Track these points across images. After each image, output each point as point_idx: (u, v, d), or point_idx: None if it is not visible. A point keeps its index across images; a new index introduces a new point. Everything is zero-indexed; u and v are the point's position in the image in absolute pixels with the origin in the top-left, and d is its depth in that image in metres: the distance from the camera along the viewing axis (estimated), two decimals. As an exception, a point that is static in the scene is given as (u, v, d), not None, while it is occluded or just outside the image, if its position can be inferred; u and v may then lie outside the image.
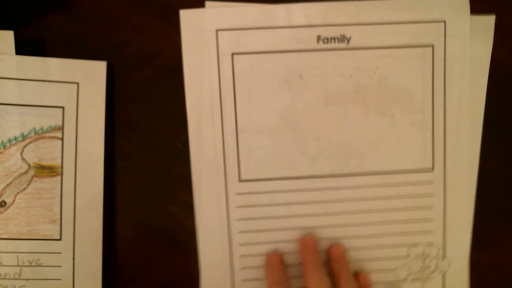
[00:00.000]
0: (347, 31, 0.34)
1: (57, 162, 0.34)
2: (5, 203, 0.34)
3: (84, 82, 0.34)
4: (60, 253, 0.34)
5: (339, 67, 0.34)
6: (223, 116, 0.34)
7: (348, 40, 0.34)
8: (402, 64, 0.34)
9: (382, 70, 0.34)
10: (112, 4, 0.34)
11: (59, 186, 0.34)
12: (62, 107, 0.34)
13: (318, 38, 0.34)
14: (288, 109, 0.34)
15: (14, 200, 0.34)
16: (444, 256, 0.36)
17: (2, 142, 0.34)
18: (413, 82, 0.35)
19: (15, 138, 0.34)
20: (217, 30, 0.33)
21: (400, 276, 0.36)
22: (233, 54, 0.34)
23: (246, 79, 0.34)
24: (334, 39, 0.34)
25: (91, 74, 0.34)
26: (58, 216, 0.34)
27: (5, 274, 0.34)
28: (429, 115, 0.35)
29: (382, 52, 0.34)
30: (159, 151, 0.35)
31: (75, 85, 0.34)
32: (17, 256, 0.34)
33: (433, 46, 0.34)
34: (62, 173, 0.34)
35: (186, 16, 0.33)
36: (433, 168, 0.35)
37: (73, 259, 0.34)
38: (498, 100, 0.36)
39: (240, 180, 0.35)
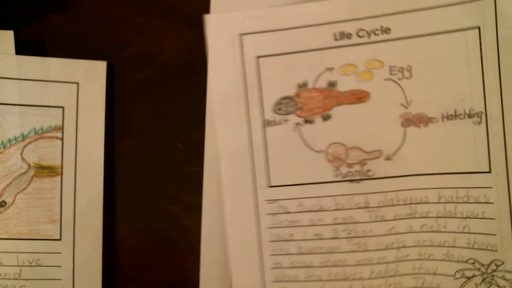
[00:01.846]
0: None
1: (57, 162, 0.34)
2: (5, 203, 0.34)
3: (84, 82, 0.34)
4: (60, 253, 0.34)
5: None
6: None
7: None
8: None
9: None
10: (112, 4, 0.34)
11: (59, 186, 0.34)
12: (62, 107, 0.34)
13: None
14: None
15: (14, 200, 0.34)
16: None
17: (2, 142, 0.34)
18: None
19: (15, 138, 0.34)
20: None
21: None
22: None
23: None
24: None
25: (91, 74, 0.34)
26: (58, 216, 0.34)
27: (5, 274, 0.34)
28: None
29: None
30: (159, 151, 0.35)
31: (75, 85, 0.34)
32: (17, 256, 0.34)
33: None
34: (62, 173, 0.34)
35: (211, 21, 0.33)
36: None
37: (73, 259, 0.34)
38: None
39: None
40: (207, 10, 0.34)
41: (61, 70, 0.34)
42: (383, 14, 0.33)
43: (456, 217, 0.32)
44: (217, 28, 0.34)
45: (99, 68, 0.34)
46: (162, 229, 0.36)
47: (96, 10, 0.34)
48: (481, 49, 0.31)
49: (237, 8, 0.34)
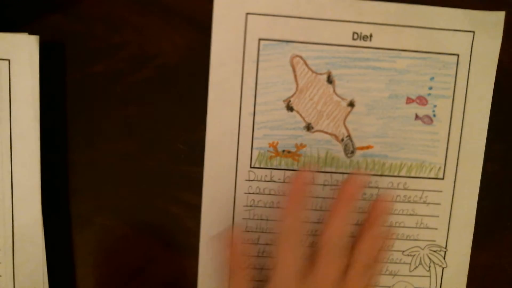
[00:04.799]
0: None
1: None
2: None
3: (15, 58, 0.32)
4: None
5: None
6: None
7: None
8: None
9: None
10: (112, 4, 0.34)
11: None
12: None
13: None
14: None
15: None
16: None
17: None
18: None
19: None
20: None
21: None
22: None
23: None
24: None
25: (22, 50, 0.32)
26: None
27: None
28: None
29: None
30: (159, 151, 0.35)
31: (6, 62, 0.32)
32: None
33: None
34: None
35: None
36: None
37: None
38: (498, 100, 0.36)
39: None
40: (207, 10, 0.34)
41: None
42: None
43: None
44: (225, 4, 0.33)
45: (31, 43, 0.32)
46: (162, 229, 0.36)
47: (96, 10, 0.34)
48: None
49: None
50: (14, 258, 0.34)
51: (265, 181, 0.35)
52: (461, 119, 0.35)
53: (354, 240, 0.32)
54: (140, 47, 0.35)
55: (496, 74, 0.35)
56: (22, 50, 0.32)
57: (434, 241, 0.36)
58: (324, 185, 0.35)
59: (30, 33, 0.32)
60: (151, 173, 0.35)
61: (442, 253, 0.36)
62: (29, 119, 0.33)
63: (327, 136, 0.35)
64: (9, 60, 0.32)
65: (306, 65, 0.34)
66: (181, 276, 0.36)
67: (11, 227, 0.33)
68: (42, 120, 0.33)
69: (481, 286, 0.38)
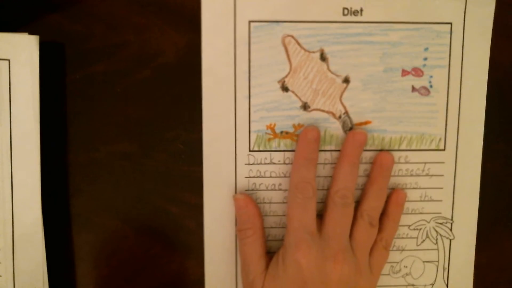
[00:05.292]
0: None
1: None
2: None
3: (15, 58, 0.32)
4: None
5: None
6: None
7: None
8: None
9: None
10: (112, 4, 0.34)
11: None
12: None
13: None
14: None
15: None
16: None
17: None
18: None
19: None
20: None
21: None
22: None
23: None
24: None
25: (22, 50, 0.32)
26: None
27: None
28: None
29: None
30: (159, 151, 0.35)
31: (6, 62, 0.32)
32: None
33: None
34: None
35: None
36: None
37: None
38: (498, 100, 0.36)
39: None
40: (207, 10, 0.34)
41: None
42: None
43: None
44: None
45: (31, 43, 0.32)
46: (162, 229, 0.36)
47: (96, 10, 0.34)
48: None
49: None
50: (14, 258, 0.34)
51: (265, 163, 0.35)
52: (459, 88, 0.35)
53: (361, 195, 0.34)
54: (140, 47, 0.35)
55: (496, 74, 0.35)
56: (22, 50, 0.32)
57: (439, 213, 0.36)
58: (325, 163, 0.35)
59: (30, 33, 0.32)
60: (151, 173, 0.35)
61: (449, 225, 0.36)
62: (29, 119, 0.33)
63: (324, 114, 0.34)
64: (9, 60, 0.32)
65: (298, 44, 0.34)
66: (181, 276, 0.36)
67: (11, 227, 0.33)
68: (42, 120, 0.33)
69: (481, 286, 0.38)
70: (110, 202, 0.36)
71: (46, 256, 0.34)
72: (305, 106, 0.34)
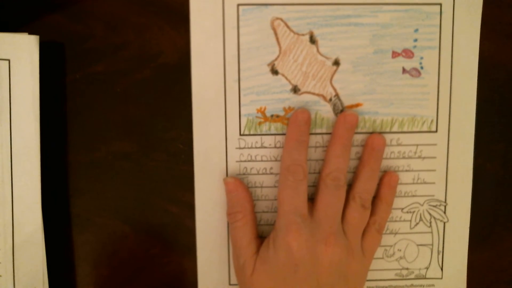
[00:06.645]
0: None
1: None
2: None
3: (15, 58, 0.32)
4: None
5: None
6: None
7: None
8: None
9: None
10: (112, 4, 0.34)
11: None
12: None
13: None
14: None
15: None
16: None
17: None
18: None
19: None
20: None
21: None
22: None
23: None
24: None
25: (22, 50, 0.32)
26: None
27: None
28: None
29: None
30: (159, 151, 0.35)
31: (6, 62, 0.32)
32: None
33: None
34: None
35: None
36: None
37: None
38: (499, 101, 0.36)
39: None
40: (207, 10, 0.33)
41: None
42: None
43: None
44: None
45: (31, 43, 0.32)
46: (161, 229, 0.36)
47: (96, 10, 0.34)
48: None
49: None
50: (14, 258, 0.34)
51: (256, 147, 0.34)
52: (450, 69, 0.34)
53: (353, 177, 0.34)
54: (140, 47, 0.35)
55: (496, 74, 0.35)
56: (22, 50, 0.32)
57: (433, 195, 0.36)
58: (316, 147, 0.35)
59: (30, 33, 0.32)
60: (151, 173, 0.35)
61: (442, 208, 0.36)
62: (29, 119, 0.33)
63: (315, 97, 0.34)
64: (9, 60, 0.32)
65: (287, 27, 0.33)
66: (181, 276, 0.36)
67: (11, 227, 0.33)
68: (42, 120, 0.33)
69: (481, 286, 0.38)
70: (110, 202, 0.36)
71: (46, 256, 0.34)
72: (295, 89, 0.34)
